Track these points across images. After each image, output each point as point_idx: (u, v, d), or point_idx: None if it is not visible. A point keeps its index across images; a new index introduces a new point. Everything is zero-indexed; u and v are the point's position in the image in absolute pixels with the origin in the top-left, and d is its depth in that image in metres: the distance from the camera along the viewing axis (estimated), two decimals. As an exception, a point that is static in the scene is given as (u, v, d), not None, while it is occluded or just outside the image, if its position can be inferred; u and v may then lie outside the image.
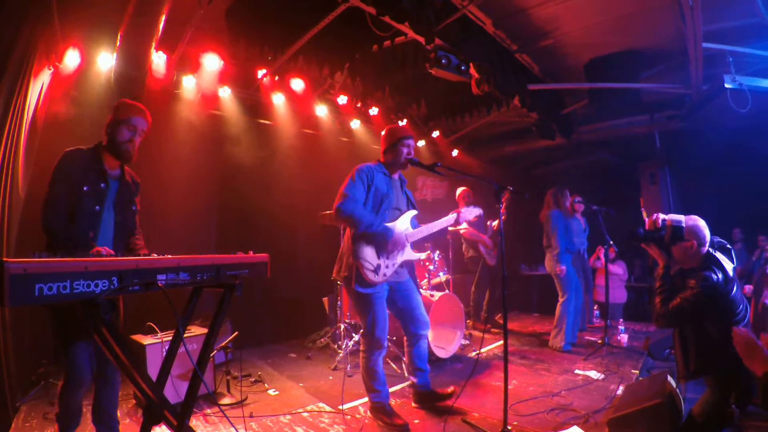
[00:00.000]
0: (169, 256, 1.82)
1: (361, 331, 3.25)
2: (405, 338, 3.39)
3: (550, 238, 5.19)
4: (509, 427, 2.82)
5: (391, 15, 3.64)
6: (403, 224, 3.21)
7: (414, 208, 3.39)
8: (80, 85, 4.17)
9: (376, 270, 3.03)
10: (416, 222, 3.36)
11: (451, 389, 3.37)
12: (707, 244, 2.61)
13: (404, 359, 3.89)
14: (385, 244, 3.03)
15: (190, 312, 2.07)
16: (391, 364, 4.37)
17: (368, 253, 3.03)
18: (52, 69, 3.94)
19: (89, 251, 2.06)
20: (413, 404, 3.48)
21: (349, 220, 2.98)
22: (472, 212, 3.45)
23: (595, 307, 6.77)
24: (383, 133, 3.35)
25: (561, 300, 5.15)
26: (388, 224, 3.10)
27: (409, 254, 3.22)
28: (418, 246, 3.36)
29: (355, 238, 3.07)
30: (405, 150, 3.23)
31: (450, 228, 3.57)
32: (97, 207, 2.32)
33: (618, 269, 6.95)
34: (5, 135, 2.93)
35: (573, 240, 5.75)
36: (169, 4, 3.57)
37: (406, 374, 4.13)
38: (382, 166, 3.28)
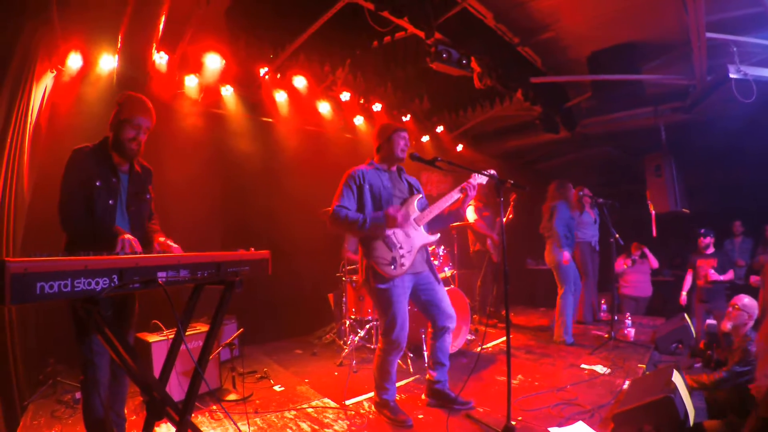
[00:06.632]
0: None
1: (380, 329, 3.19)
2: (430, 331, 3.32)
3: (552, 227, 5.18)
4: (513, 422, 2.81)
5: (390, 10, 3.65)
6: (408, 208, 3.15)
7: (418, 192, 3.31)
8: (83, 87, 4.19)
9: (393, 262, 2.99)
10: (424, 203, 3.28)
11: (471, 403, 3.30)
12: None
13: (425, 352, 3.85)
14: (383, 230, 2.98)
15: (192, 309, 2.07)
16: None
17: (379, 248, 3.01)
18: (55, 72, 3.97)
19: (116, 237, 2.07)
20: (424, 396, 3.46)
21: (339, 223, 2.96)
22: (481, 177, 3.20)
23: (602, 301, 6.72)
24: (375, 130, 3.28)
25: (560, 292, 5.14)
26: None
27: (423, 237, 3.15)
28: (432, 233, 3.28)
29: (362, 241, 3.07)
30: (401, 142, 3.16)
31: (458, 223, 3.43)
32: (111, 201, 2.33)
33: (654, 263, 6.90)
34: (9, 139, 2.96)
35: (585, 231, 5.78)
36: (168, 4, 3.58)
37: (411, 370, 4.15)
38: (374, 164, 3.23)
